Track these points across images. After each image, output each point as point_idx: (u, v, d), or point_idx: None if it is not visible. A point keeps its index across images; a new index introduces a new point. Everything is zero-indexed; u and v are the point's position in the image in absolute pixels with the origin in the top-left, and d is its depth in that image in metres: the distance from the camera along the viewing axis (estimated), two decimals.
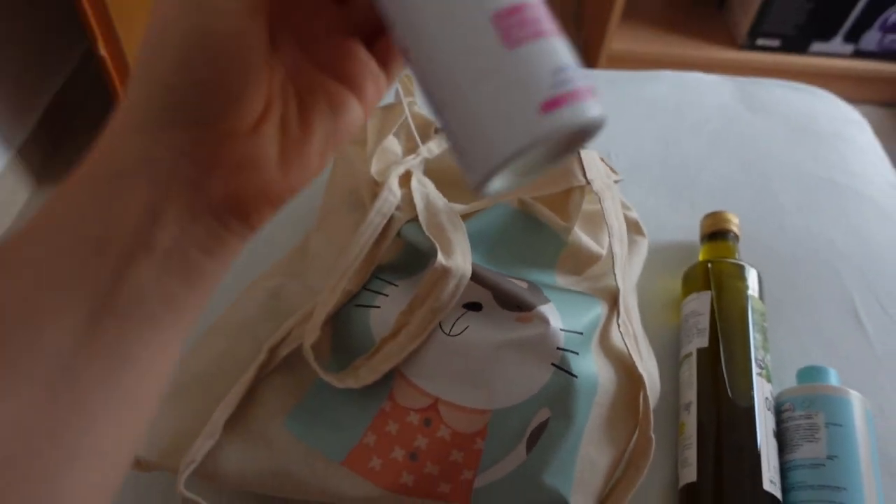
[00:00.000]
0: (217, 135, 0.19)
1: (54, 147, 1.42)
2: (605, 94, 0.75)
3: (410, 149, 0.51)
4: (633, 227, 0.50)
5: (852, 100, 0.79)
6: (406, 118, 0.49)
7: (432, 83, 0.19)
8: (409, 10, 0.19)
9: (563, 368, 0.37)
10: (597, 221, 0.48)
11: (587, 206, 0.47)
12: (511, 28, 0.18)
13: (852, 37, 1.49)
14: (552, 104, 0.18)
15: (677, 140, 0.71)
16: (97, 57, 1.04)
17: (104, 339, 0.18)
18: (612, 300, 0.43)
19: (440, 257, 0.38)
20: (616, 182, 0.48)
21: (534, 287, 0.40)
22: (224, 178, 0.19)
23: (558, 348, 0.37)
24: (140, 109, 0.19)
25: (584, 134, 0.20)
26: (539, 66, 0.18)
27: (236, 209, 0.20)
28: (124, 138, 0.19)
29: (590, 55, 1.59)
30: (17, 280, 0.18)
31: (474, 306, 0.40)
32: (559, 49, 0.19)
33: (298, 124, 0.21)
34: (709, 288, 0.50)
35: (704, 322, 0.49)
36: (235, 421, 0.39)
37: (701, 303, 0.50)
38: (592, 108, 0.19)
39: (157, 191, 0.19)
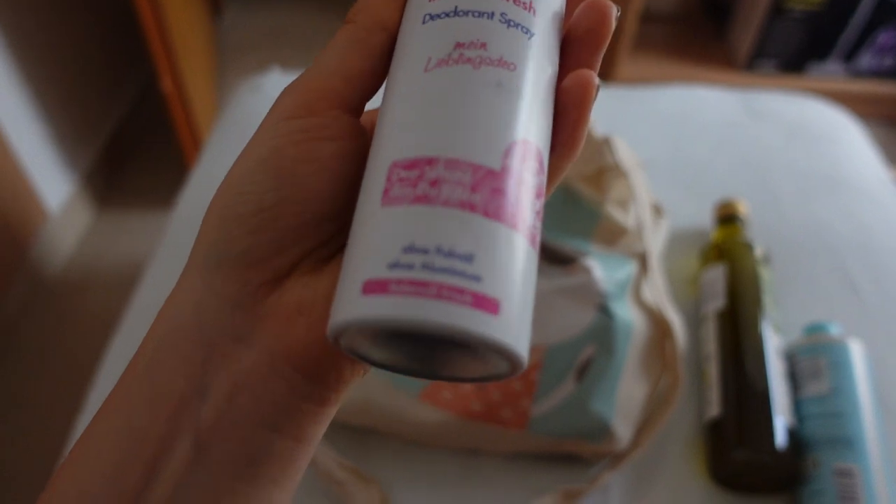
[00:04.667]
0: (273, 273, 0.16)
1: (116, 174, 1.48)
2: (621, 106, 0.85)
3: None
4: (655, 209, 0.59)
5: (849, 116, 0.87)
6: None
7: None
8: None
9: (603, 310, 0.45)
10: (624, 204, 0.56)
11: (615, 193, 0.56)
12: (393, 183, 0.15)
13: (847, 58, 1.59)
14: (374, 287, 0.14)
15: (686, 143, 0.79)
16: (161, 91, 1.14)
17: None
18: (642, 261, 0.51)
19: None
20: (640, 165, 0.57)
21: (574, 248, 0.49)
22: (279, 329, 0.16)
23: (599, 293, 0.45)
24: (201, 245, 0.16)
25: (437, 337, 0.14)
26: (387, 236, 0.14)
27: (304, 367, 0.16)
28: (185, 281, 0.17)
29: (603, 80, 1.70)
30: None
31: None
32: (444, 226, 0.14)
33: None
34: (723, 260, 0.58)
35: (720, 287, 0.56)
36: None
37: (717, 272, 0.58)
38: (439, 313, 0.14)
39: (204, 352, 0.16)
